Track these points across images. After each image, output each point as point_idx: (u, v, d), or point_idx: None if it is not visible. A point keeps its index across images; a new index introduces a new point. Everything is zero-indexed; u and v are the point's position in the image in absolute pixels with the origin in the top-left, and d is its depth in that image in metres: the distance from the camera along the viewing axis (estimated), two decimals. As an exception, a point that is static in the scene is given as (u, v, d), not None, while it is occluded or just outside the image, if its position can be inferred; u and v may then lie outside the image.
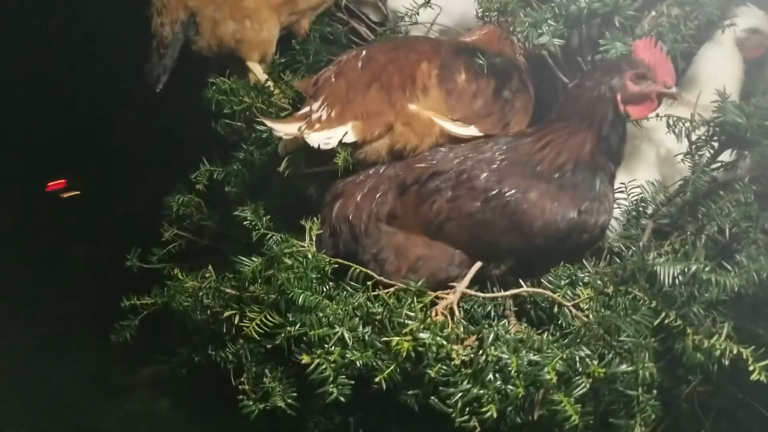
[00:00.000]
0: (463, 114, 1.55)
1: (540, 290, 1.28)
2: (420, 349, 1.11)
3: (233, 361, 1.30)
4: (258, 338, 1.24)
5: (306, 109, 1.43)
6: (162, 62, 1.77)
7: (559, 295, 1.26)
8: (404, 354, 1.11)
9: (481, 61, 1.51)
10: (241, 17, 1.75)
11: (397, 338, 1.12)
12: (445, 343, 1.11)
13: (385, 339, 1.14)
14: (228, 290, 1.41)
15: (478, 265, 1.37)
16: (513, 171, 1.37)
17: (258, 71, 1.80)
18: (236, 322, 1.29)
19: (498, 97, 1.58)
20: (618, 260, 1.36)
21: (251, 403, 1.25)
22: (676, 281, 1.20)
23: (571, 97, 1.39)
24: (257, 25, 1.77)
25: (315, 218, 1.40)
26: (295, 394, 1.21)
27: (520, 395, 1.07)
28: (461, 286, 1.28)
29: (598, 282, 1.29)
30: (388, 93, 1.46)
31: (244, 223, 1.43)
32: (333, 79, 1.47)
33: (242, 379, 1.28)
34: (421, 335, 1.11)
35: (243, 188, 1.57)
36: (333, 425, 1.28)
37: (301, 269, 1.26)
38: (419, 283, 1.24)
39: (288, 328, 1.21)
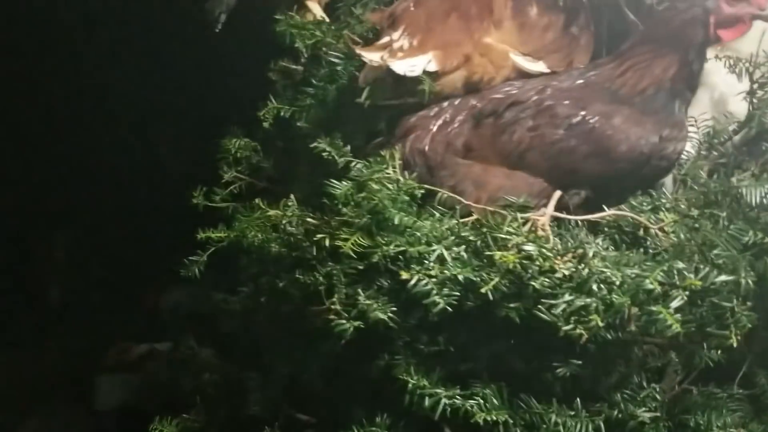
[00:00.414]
0: (533, 48, 1.56)
1: (626, 213, 1.30)
2: (525, 262, 1.14)
3: (324, 283, 1.31)
4: (354, 257, 1.26)
5: (386, 39, 1.45)
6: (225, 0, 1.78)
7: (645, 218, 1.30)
8: (510, 266, 1.13)
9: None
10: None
11: (500, 253, 1.15)
12: (550, 255, 1.14)
13: (488, 253, 1.16)
14: (310, 219, 1.43)
15: (559, 193, 1.40)
16: (594, 97, 1.39)
17: (316, 9, 1.80)
18: (327, 244, 1.31)
19: (566, 32, 1.60)
20: (695, 187, 1.40)
21: (344, 321, 1.27)
22: (764, 201, 1.24)
23: (661, 19, 1.41)
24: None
25: (396, 148, 1.43)
26: (395, 308, 1.22)
27: (625, 304, 1.10)
28: (549, 209, 1.31)
29: (681, 206, 1.33)
30: (466, 23, 1.48)
31: (323, 154, 1.45)
32: (412, 9, 1.48)
33: (334, 300, 1.29)
34: (527, 247, 1.15)
35: (315, 123, 1.58)
36: (422, 344, 1.30)
37: (394, 191, 1.28)
38: (521, 200, 1.27)
39: (384, 248, 1.24)
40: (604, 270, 1.13)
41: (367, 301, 1.25)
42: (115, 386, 3.80)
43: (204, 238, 1.64)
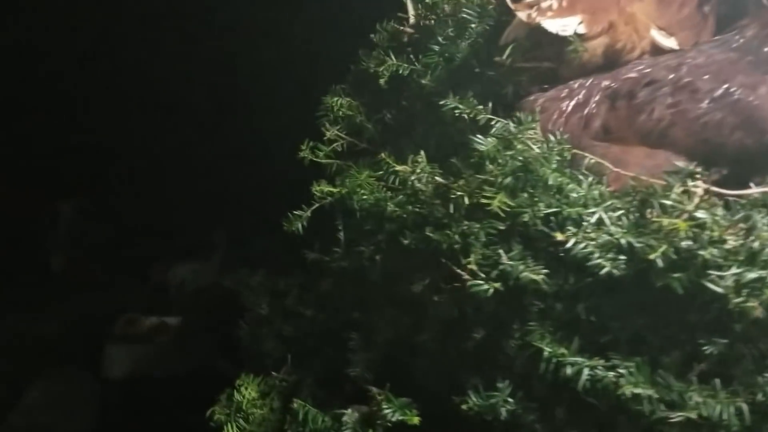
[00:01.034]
0: (668, 22, 1.53)
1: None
2: (696, 230, 1.11)
3: (459, 242, 1.27)
4: (502, 216, 1.21)
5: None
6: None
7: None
8: (681, 234, 1.10)
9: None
10: None
11: (670, 220, 1.11)
12: (724, 224, 1.10)
13: (655, 219, 1.12)
14: (438, 179, 1.39)
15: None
16: (736, 69, 1.35)
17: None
18: (467, 202, 1.27)
19: (699, 10, 1.57)
20: None
21: (482, 282, 1.23)
22: None
23: None
24: None
25: (535, 109, 1.39)
26: (546, 271, 1.18)
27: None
28: (702, 184, 1.27)
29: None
30: None
31: (456, 112, 1.41)
32: None
33: (470, 259, 1.25)
34: (699, 215, 1.11)
35: (442, 81, 1.53)
36: (559, 311, 1.25)
37: (544, 150, 1.24)
38: (691, 166, 1.23)
39: (535, 208, 1.20)
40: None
41: (512, 262, 1.21)
42: (124, 356, 3.78)
43: (317, 191, 1.60)
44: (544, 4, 1.39)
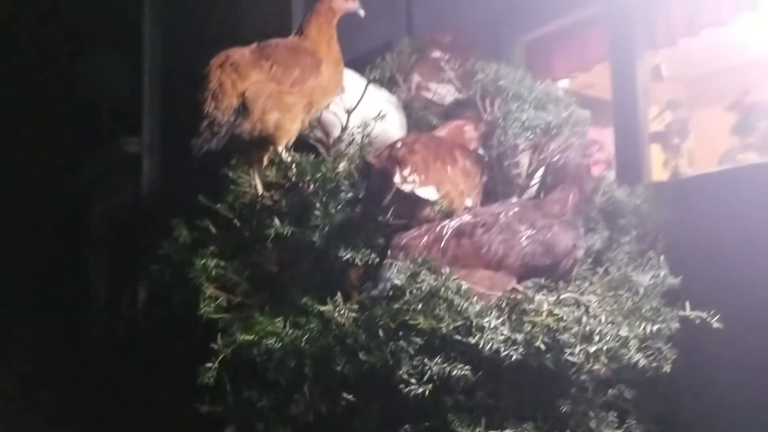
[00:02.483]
0: (468, 187, 2.17)
1: (574, 295, 1.91)
2: (556, 322, 1.66)
3: (390, 359, 1.66)
4: (426, 333, 1.64)
5: (398, 174, 1.92)
6: (214, 139, 2.04)
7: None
8: (551, 325, 1.64)
9: (481, 152, 2.18)
10: (283, 110, 2.14)
11: (540, 318, 1.66)
12: (572, 315, 1.68)
13: (529, 319, 1.66)
14: (353, 314, 1.77)
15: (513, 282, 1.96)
16: (535, 216, 2.01)
17: (283, 154, 2.18)
18: (393, 326, 1.67)
19: (480, 180, 2.24)
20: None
21: (415, 386, 1.63)
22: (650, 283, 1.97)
23: (560, 165, 2.09)
24: (293, 118, 2.17)
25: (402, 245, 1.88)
26: (468, 367, 1.63)
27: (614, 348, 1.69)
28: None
29: (598, 290, 1.98)
30: (445, 167, 2.03)
31: (349, 259, 1.83)
32: (409, 155, 1.98)
33: (402, 371, 1.64)
34: (557, 311, 1.68)
35: (328, 238, 1.92)
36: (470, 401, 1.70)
37: (442, 279, 1.72)
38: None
39: (448, 322, 1.66)
40: (596, 325, 1.71)
41: (439, 366, 1.63)
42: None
43: (220, 346, 1.83)
44: (410, 179, 1.93)
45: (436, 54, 2.89)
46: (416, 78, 2.86)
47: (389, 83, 2.79)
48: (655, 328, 1.81)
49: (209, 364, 1.84)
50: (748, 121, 3.89)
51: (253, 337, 1.82)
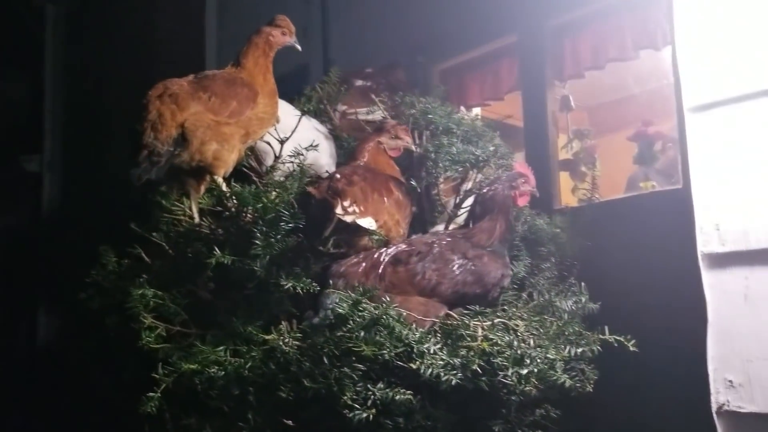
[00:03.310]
0: (401, 217, 2.26)
1: (503, 320, 2.02)
2: (492, 346, 1.77)
3: (335, 385, 1.71)
4: (370, 359, 1.71)
5: (339, 205, 1.98)
6: (153, 169, 2.05)
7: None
8: (486, 349, 1.74)
9: (413, 183, 2.29)
10: (221, 140, 2.17)
11: (477, 343, 1.76)
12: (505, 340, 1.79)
13: (465, 344, 1.75)
14: (296, 342, 1.81)
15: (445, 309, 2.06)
16: (465, 247, 2.12)
17: (221, 184, 2.20)
18: (336, 353, 1.73)
19: (410, 209, 2.34)
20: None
21: (360, 410, 1.69)
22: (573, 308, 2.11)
23: (488, 197, 2.21)
24: (230, 148, 2.20)
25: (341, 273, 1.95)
26: (410, 392, 1.70)
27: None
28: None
29: (525, 315, 2.10)
30: (381, 198, 2.12)
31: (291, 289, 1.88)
32: (348, 186, 2.06)
33: (346, 397, 1.70)
34: (491, 336, 1.78)
35: (268, 267, 1.96)
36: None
37: (383, 307, 1.80)
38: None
39: (389, 348, 1.73)
40: (527, 349, 1.83)
41: (384, 391, 1.70)
42: None
43: (162, 374, 1.84)
44: (350, 209, 2.00)
45: (364, 83, 2.99)
46: (341, 107, 2.95)
47: (319, 113, 2.86)
48: (579, 350, 1.95)
49: (151, 394, 1.83)
50: (650, 151, 4.18)
51: (195, 366, 1.83)
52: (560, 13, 3.55)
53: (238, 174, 2.44)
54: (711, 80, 2.11)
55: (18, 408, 4.99)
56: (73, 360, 3.86)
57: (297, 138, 2.51)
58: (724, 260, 2.05)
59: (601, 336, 1.98)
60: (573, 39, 3.69)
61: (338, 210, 1.97)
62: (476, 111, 4.04)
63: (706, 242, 2.08)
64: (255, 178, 2.44)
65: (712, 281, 2.05)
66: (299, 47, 2.43)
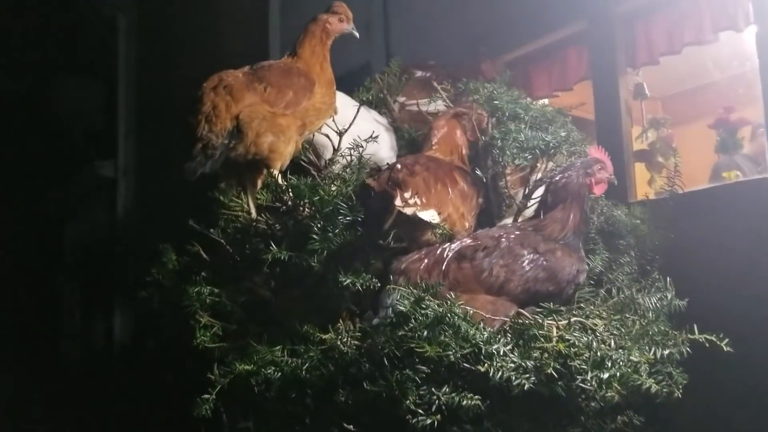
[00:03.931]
0: (466, 210, 2.12)
1: (581, 318, 1.86)
2: (568, 348, 1.62)
3: (396, 389, 1.60)
4: (435, 361, 1.58)
5: (399, 197, 1.87)
6: (208, 162, 1.99)
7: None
8: (563, 351, 1.60)
9: (479, 173, 2.15)
10: (277, 132, 2.10)
11: (552, 343, 1.61)
12: (584, 340, 1.64)
13: (539, 345, 1.61)
14: (356, 342, 1.71)
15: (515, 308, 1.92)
16: (537, 240, 1.97)
17: (280, 178, 2.13)
18: (399, 354, 1.61)
19: (477, 202, 2.20)
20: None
21: (424, 416, 1.57)
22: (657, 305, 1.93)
23: (561, 185, 2.04)
24: (287, 140, 2.12)
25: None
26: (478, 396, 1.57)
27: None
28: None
29: (604, 313, 1.93)
30: (446, 190, 1.99)
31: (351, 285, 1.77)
32: (409, 177, 1.94)
33: (408, 401, 1.58)
34: (567, 336, 1.63)
35: (326, 262, 1.86)
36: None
37: (447, 307, 1.67)
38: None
39: (455, 350, 1.60)
40: (607, 351, 1.67)
41: (448, 395, 1.57)
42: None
43: (216, 375, 1.76)
44: (410, 201, 1.87)
45: (424, 74, 2.87)
46: (401, 98, 2.84)
47: (379, 104, 2.75)
48: (666, 352, 1.77)
49: (206, 396, 1.76)
50: (732, 139, 3.91)
51: (251, 366, 1.74)
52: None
53: (297, 168, 2.37)
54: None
55: (94, 406, 5.08)
56: (143, 360, 3.87)
57: (356, 130, 2.42)
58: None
59: (690, 336, 1.81)
60: (646, 23, 3.51)
61: (398, 202, 1.85)
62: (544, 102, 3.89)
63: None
64: (314, 172, 2.36)
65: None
66: (357, 34, 2.33)
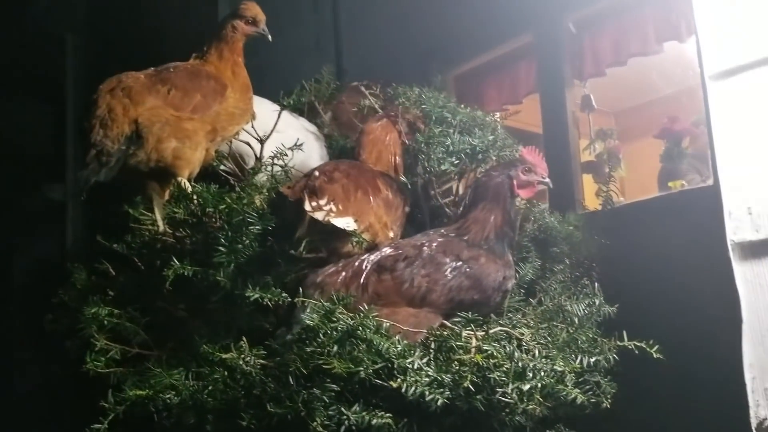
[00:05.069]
0: (391, 219, 2.01)
1: (506, 328, 1.75)
2: (485, 360, 1.50)
3: (303, 409, 1.46)
4: (344, 378, 1.46)
5: (314, 204, 1.74)
6: (103, 170, 1.84)
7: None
8: (480, 363, 1.48)
9: (403, 179, 2.03)
10: (182, 137, 1.96)
11: (469, 355, 1.49)
12: (502, 351, 1.52)
13: (457, 357, 1.49)
14: (261, 360, 1.57)
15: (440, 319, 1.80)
16: (460, 246, 1.85)
17: (187, 186, 1.99)
18: (305, 373, 1.48)
19: (403, 211, 2.09)
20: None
21: None
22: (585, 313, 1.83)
23: (482, 184, 1.95)
24: (194, 145, 1.99)
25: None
26: (389, 414, 1.44)
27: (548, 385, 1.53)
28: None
29: (531, 321, 1.83)
30: (367, 198, 1.87)
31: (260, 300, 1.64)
32: (327, 183, 1.81)
33: (316, 423, 1.45)
34: (486, 347, 1.52)
35: (232, 276, 1.72)
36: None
37: (360, 318, 1.54)
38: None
39: (366, 365, 1.47)
40: (529, 361, 1.56)
41: (357, 414, 1.45)
42: None
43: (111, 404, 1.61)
44: (326, 208, 1.75)
45: (356, 82, 2.77)
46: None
47: (309, 112, 2.64)
48: (592, 360, 1.67)
49: (97, 425, 1.60)
50: (678, 148, 3.88)
51: (146, 391, 1.60)
52: (578, 8, 3.34)
53: (218, 179, 2.24)
54: (737, 42, 1.82)
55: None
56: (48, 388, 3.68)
57: (282, 138, 2.31)
58: (759, 249, 1.75)
59: (619, 343, 1.71)
60: (592, 35, 3.48)
61: (307, 207, 1.73)
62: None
63: (737, 229, 1.78)
64: (233, 182, 2.23)
65: (745, 274, 1.75)
66: (270, 37, 2.21)
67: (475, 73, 3.94)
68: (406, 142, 2.17)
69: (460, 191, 2.18)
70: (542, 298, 1.95)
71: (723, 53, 1.83)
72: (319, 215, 1.72)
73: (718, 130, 1.82)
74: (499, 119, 2.38)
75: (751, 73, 1.77)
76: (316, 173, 1.88)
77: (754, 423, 1.72)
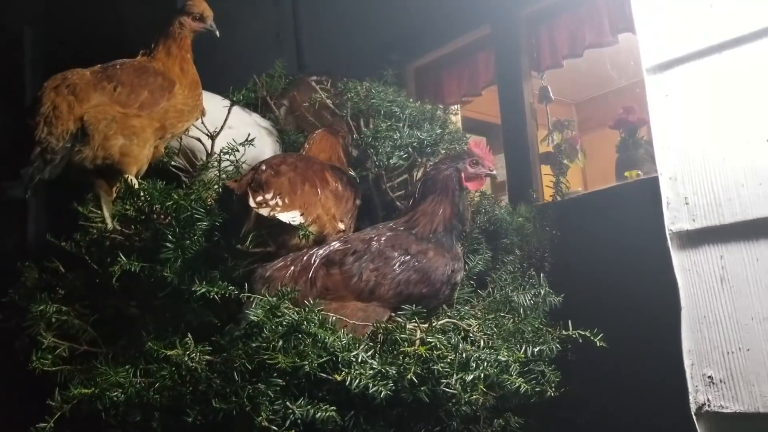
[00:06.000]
0: (341, 212, 2.02)
1: (455, 320, 1.78)
2: (429, 352, 1.52)
3: (248, 404, 1.47)
4: (288, 372, 1.47)
5: (260, 198, 1.74)
6: (47, 168, 1.83)
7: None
8: (424, 355, 1.50)
9: (352, 173, 2.04)
10: (129, 134, 1.95)
11: (413, 347, 1.51)
12: (446, 342, 1.54)
13: (403, 349, 1.51)
14: (207, 356, 1.57)
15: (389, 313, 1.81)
16: (408, 240, 1.87)
17: (135, 182, 1.97)
18: (249, 368, 1.49)
19: (354, 204, 2.10)
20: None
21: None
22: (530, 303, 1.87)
23: (431, 177, 1.97)
24: (141, 142, 1.97)
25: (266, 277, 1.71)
26: (333, 408, 1.46)
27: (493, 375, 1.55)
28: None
29: (479, 312, 1.86)
30: (315, 190, 1.87)
31: (208, 294, 1.64)
32: (274, 177, 1.81)
33: (261, 417, 1.46)
34: (430, 339, 1.54)
35: (180, 272, 1.72)
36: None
37: (303, 314, 1.55)
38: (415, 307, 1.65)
39: (311, 359, 1.49)
40: (473, 352, 1.58)
41: (302, 408, 1.46)
42: None
43: (58, 400, 1.60)
44: (271, 202, 1.75)
45: (309, 77, 2.77)
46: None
47: (262, 107, 2.64)
48: (537, 349, 1.70)
49: (42, 425, 1.59)
50: (633, 138, 3.94)
51: (92, 389, 1.59)
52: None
53: (168, 175, 2.23)
54: (671, 35, 1.86)
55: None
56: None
57: (234, 134, 2.30)
58: (695, 238, 1.79)
59: (564, 332, 1.75)
60: (549, 26, 3.52)
61: (252, 202, 1.73)
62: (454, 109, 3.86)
63: (675, 219, 1.82)
64: (184, 178, 2.22)
65: (683, 263, 1.79)
66: (217, 32, 2.20)
67: (435, 65, 3.97)
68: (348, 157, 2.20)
69: (412, 184, 2.20)
70: (491, 290, 1.98)
71: (658, 47, 1.87)
72: (264, 211, 1.73)
73: (656, 121, 1.86)
74: (455, 112, 2.41)
75: (686, 66, 1.80)
76: (263, 167, 1.88)
77: (693, 408, 1.76)
